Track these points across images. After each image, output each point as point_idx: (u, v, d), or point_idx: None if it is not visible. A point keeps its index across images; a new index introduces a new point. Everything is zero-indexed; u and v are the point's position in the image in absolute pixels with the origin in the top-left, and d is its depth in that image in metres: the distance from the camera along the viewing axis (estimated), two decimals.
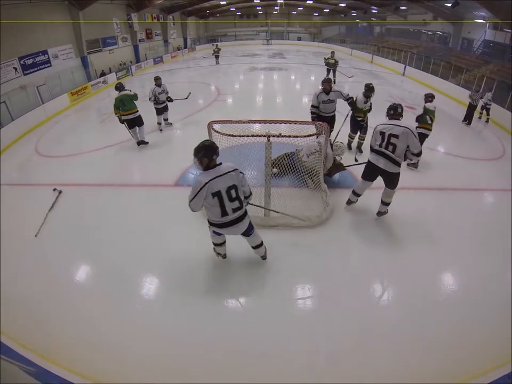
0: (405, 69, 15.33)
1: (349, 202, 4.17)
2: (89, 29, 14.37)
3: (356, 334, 2.68)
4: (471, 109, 8.05)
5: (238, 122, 3.86)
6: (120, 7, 17.55)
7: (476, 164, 5.77)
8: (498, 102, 8.61)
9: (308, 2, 26.35)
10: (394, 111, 3.60)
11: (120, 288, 3.19)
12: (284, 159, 4.62)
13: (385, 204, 3.88)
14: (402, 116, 3.64)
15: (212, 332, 2.72)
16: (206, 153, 2.33)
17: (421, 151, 3.47)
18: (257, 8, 33.60)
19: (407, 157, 3.55)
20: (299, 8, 33.31)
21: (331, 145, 4.71)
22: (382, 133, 3.51)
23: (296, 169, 4.28)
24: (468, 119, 8.10)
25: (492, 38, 14.89)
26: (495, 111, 8.40)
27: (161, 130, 7.49)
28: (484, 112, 8.40)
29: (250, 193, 2.65)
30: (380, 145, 3.52)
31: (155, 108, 7.21)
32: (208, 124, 3.99)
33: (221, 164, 2.42)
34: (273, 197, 3.93)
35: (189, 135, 7.26)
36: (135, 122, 6.07)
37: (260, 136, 3.61)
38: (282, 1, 28.04)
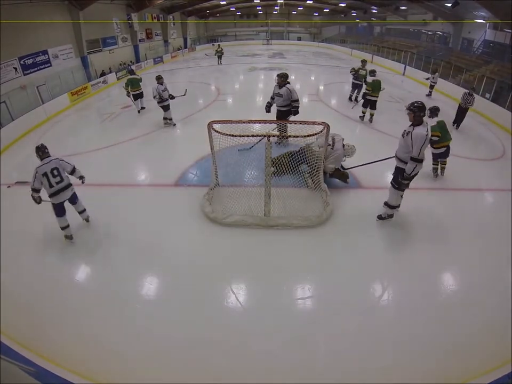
0: (405, 69, 15.33)
1: (392, 216, 4.04)
2: (89, 29, 14.35)
3: (355, 334, 2.69)
4: (461, 112, 7.48)
5: (238, 122, 3.87)
6: (120, 7, 17.52)
7: (475, 164, 5.77)
8: (499, 102, 8.63)
9: (308, 2, 26.30)
10: (424, 113, 3.48)
11: (119, 288, 3.19)
12: (285, 157, 4.60)
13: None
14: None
15: (212, 331, 2.72)
16: (37, 154, 3.63)
17: None
18: (257, 8, 33.56)
19: None
20: (299, 8, 33.27)
21: (342, 144, 4.72)
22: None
23: (297, 169, 4.25)
24: (457, 122, 7.58)
25: (492, 38, 14.88)
26: (495, 111, 8.42)
27: (174, 124, 7.74)
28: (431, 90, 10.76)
29: (74, 169, 3.87)
30: None
31: (161, 106, 7.37)
32: (208, 124, 4.00)
33: (49, 155, 3.66)
34: (273, 197, 3.93)
35: (189, 135, 7.27)
36: (138, 96, 8.88)
37: (260, 136, 3.62)
38: (282, 1, 28.00)
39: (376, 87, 7.31)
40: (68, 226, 3.81)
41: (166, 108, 7.47)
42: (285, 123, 4.65)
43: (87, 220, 4.20)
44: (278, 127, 4.98)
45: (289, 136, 3.99)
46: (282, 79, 5.67)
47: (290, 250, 3.62)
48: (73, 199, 3.90)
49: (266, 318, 2.84)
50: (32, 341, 2.61)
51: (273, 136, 3.59)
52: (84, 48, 14.25)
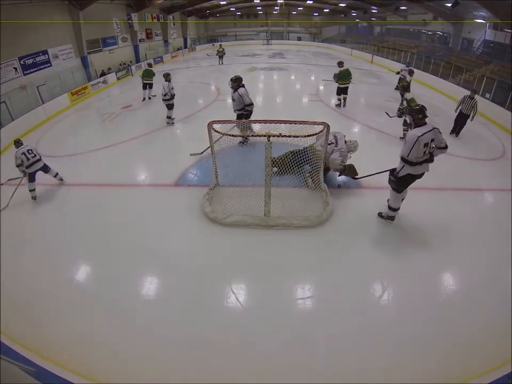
0: None
1: (393, 218, 3.99)
2: (89, 29, 14.34)
3: (355, 334, 2.69)
4: (461, 118, 6.77)
5: (238, 122, 3.87)
6: (120, 7, 17.51)
7: (476, 164, 5.77)
8: (499, 102, 8.62)
9: (308, 2, 26.29)
10: (423, 115, 3.43)
11: (120, 288, 3.19)
12: (287, 157, 4.58)
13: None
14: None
15: (212, 331, 2.72)
16: (15, 145, 4.82)
17: (447, 144, 3.53)
18: (257, 8, 33.54)
19: (434, 154, 3.56)
20: (299, 8, 33.25)
21: (345, 141, 4.72)
22: (426, 144, 3.39)
23: (298, 167, 4.23)
24: (455, 130, 6.99)
25: (492, 38, 14.86)
26: (495, 111, 8.42)
27: (173, 123, 7.78)
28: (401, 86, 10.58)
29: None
30: (424, 153, 3.45)
31: (168, 104, 7.43)
32: (208, 124, 4.00)
33: (23, 144, 4.86)
34: (273, 197, 3.93)
35: (189, 135, 7.28)
36: (148, 85, 10.03)
37: (260, 136, 3.62)
38: (282, 1, 27.99)
39: (343, 76, 8.29)
40: (34, 190, 4.85)
41: (171, 106, 7.52)
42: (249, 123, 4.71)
43: (61, 179, 5.20)
44: (240, 127, 5.04)
45: (289, 136, 3.98)
46: (236, 83, 5.63)
47: (290, 250, 3.62)
48: (46, 169, 4.99)
49: (266, 318, 2.84)
50: (32, 341, 2.61)
51: (273, 136, 3.58)
52: (84, 48, 14.25)
